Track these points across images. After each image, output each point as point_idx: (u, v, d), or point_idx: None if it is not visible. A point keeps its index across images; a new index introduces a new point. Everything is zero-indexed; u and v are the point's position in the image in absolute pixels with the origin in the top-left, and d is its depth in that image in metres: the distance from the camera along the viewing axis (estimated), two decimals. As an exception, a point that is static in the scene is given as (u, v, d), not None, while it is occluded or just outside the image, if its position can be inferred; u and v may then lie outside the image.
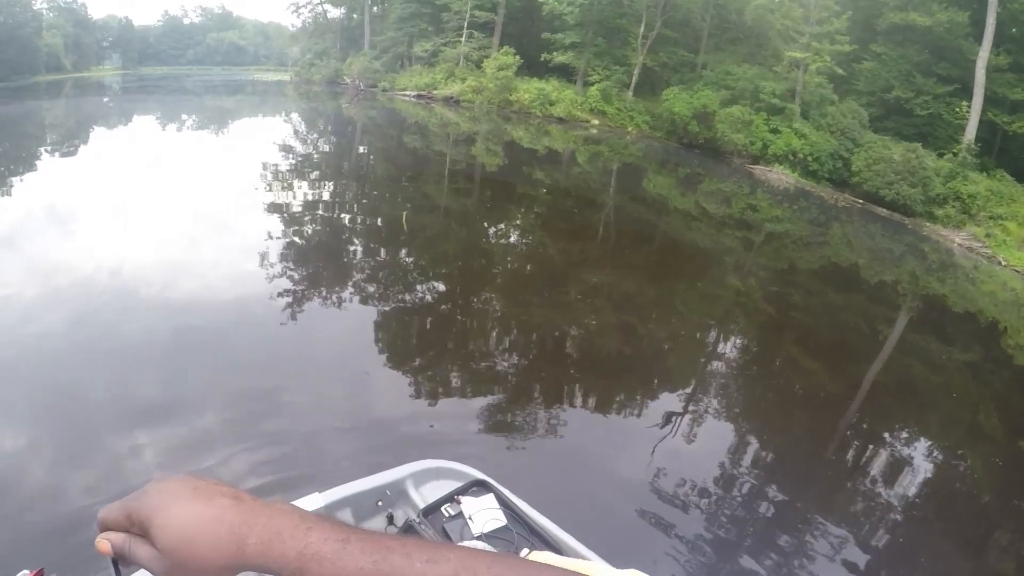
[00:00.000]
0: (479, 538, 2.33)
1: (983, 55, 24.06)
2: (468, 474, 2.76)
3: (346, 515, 2.52)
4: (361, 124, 31.49)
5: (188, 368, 6.10)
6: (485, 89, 35.34)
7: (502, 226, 14.15)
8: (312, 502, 2.46)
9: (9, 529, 3.84)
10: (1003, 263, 17.82)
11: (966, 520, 5.73)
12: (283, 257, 9.52)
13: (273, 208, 12.46)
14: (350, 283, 9.05)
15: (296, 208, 12.77)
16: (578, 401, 6.59)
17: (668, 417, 6.29)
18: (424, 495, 2.66)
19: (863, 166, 23.09)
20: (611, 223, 15.33)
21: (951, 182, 21.97)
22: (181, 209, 12.09)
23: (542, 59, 35.34)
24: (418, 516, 2.45)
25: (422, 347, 7.46)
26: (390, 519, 2.59)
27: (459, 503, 2.52)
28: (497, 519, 2.44)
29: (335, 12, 54.70)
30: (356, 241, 11.43)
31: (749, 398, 7.62)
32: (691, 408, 6.75)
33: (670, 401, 6.88)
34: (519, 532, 2.40)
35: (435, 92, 38.28)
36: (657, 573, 3.84)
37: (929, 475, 6.33)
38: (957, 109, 25.43)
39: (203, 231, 10.89)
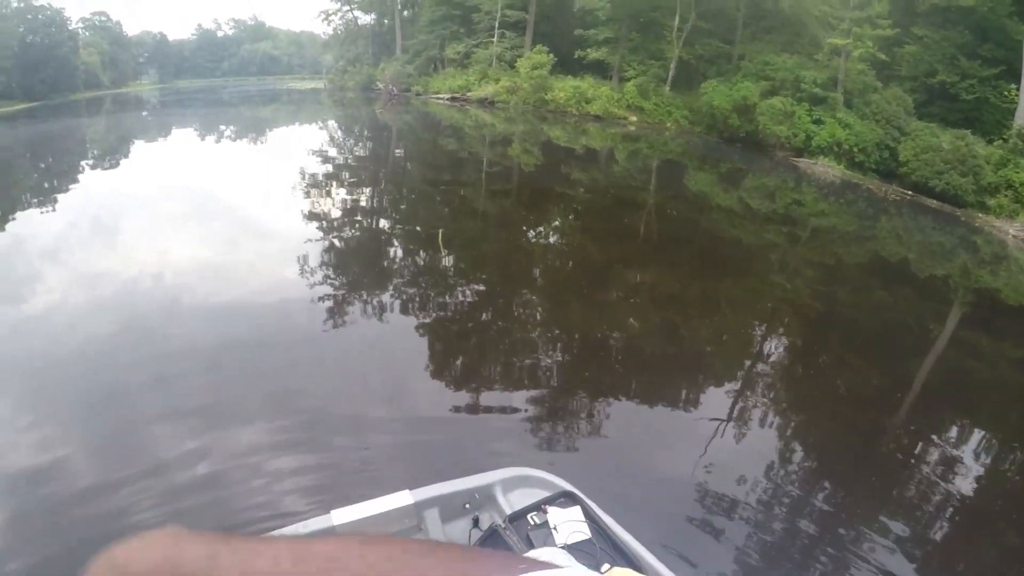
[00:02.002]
0: (562, 548, 2.34)
1: (1031, 34, 23.20)
2: (557, 484, 2.78)
3: (433, 514, 2.59)
4: (397, 129, 31.73)
5: (235, 370, 6.35)
6: (519, 89, 35.26)
7: (542, 228, 14.15)
8: (401, 499, 2.55)
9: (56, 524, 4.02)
10: (1061, 254, 17.14)
11: (1019, 525, 5.57)
12: (325, 264, 9.76)
13: (314, 216, 12.71)
14: (392, 288, 9.17)
15: (336, 216, 13.01)
16: (626, 399, 6.67)
17: (717, 415, 6.35)
18: (511, 502, 2.70)
19: (911, 156, 22.34)
20: (653, 222, 15.22)
21: (1002, 170, 21.13)
22: (223, 218, 12.53)
23: (576, 56, 35.08)
24: (504, 522, 2.49)
25: (465, 349, 7.60)
26: (475, 522, 2.64)
27: (546, 512, 2.54)
28: (582, 532, 2.45)
29: (366, 19, 55.21)
30: (396, 246, 11.57)
31: (799, 397, 7.52)
32: (740, 407, 6.74)
33: (718, 399, 6.88)
34: (602, 547, 2.40)
35: (469, 94, 38.33)
36: (707, 571, 4.00)
37: (982, 476, 6.16)
38: (1005, 93, 24.51)
39: (244, 240, 11.18)
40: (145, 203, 13.47)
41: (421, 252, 10.99)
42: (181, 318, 7.56)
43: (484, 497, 2.74)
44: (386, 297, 8.72)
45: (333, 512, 2.50)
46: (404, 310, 8.33)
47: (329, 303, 8.17)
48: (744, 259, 13.24)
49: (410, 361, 6.95)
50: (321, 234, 11.30)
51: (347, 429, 5.42)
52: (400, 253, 11.18)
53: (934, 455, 6.40)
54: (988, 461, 6.52)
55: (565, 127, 30.57)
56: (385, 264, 10.40)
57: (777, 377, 7.91)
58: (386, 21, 52.66)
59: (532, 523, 2.51)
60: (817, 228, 16.90)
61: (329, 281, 9.09)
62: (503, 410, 5.98)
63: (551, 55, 34.61)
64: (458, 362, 7.20)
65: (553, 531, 2.46)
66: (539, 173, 20.32)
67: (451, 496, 2.69)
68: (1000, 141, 22.31)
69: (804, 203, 19.89)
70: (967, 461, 6.29)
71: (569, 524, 2.49)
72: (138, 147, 24.82)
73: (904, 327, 10.35)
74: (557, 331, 8.33)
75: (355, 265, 10.16)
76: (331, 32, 59.36)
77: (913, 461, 6.24)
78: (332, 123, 35.31)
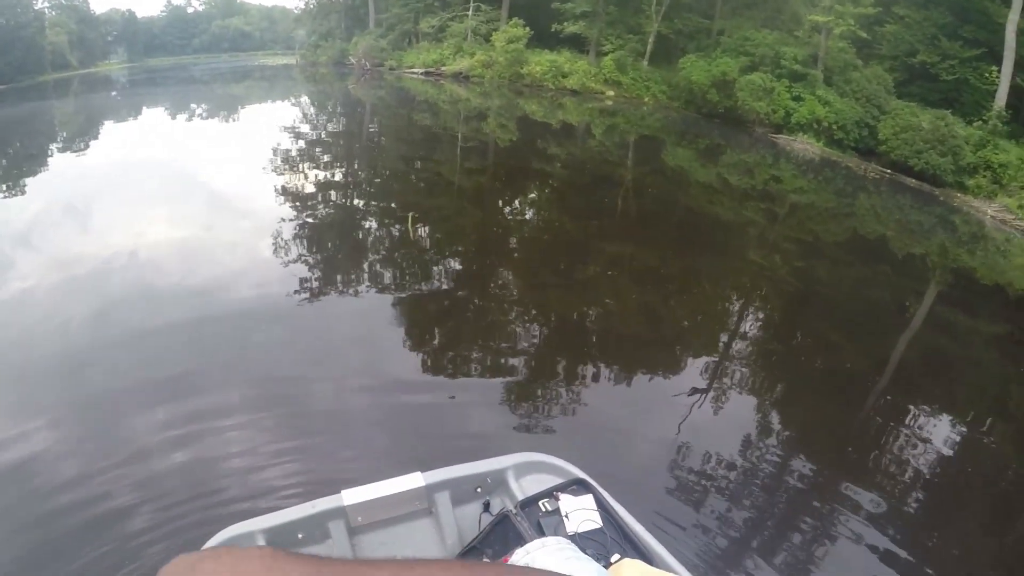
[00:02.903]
0: (572, 537, 2.29)
1: (1013, 17, 22.97)
2: (570, 471, 2.76)
3: (444, 498, 2.59)
4: (370, 105, 31.20)
5: (211, 350, 6.30)
6: (495, 63, 34.60)
7: (519, 205, 13.99)
8: (412, 481, 2.55)
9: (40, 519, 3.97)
10: (1038, 236, 17.06)
11: (992, 497, 5.71)
12: (298, 246, 9.55)
13: (288, 195, 12.45)
14: (370, 268, 9.06)
15: (310, 195, 12.72)
16: (604, 377, 6.64)
17: (693, 392, 6.35)
18: (523, 487, 2.68)
19: (890, 134, 22.27)
20: (631, 198, 15.06)
21: (981, 151, 21.12)
22: (195, 199, 12.23)
23: (553, 30, 34.25)
24: (515, 508, 2.46)
25: (444, 328, 7.52)
26: (486, 506, 2.64)
27: (557, 499, 2.51)
28: (593, 520, 2.43)
29: (339, -9, 53.81)
30: (371, 226, 11.35)
31: (776, 374, 7.52)
32: (717, 384, 6.75)
33: (695, 377, 6.86)
34: (612, 536, 2.38)
35: (444, 68, 37.55)
36: (682, 548, 3.98)
37: (958, 451, 6.28)
38: (986, 74, 24.45)
39: (217, 221, 10.98)
40: (117, 185, 13.32)
41: (396, 232, 10.74)
42: (156, 297, 7.49)
43: (496, 482, 2.73)
44: (363, 278, 8.60)
45: (344, 492, 2.46)
46: (381, 291, 8.20)
47: (305, 284, 7.99)
48: (723, 235, 13.16)
49: (389, 343, 6.83)
50: (295, 214, 11.12)
51: (330, 412, 5.38)
52: (375, 233, 10.96)
53: (910, 429, 6.48)
54: (963, 435, 6.67)
55: (541, 102, 30.09)
56: (360, 244, 10.19)
57: (755, 354, 7.88)
58: (360, -6, 51.51)
59: (543, 510, 2.46)
60: (796, 205, 16.83)
61: (304, 263, 8.86)
62: (485, 390, 5.93)
63: (527, 28, 33.86)
64: (439, 343, 7.08)
65: (564, 519, 2.42)
66: (515, 149, 20.06)
67: (463, 480, 2.67)
68: (980, 122, 22.31)
69: (783, 180, 19.75)
70: (943, 435, 6.44)
71: (581, 512, 2.44)
72: (108, 128, 24.42)
73: (882, 304, 10.44)
74: (538, 310, 8.25)
75: (330, 246, 9.97)
76: (303, 6, 58.17)
77: (889, 434, 6.34)
78: (305, 99, 34.63)
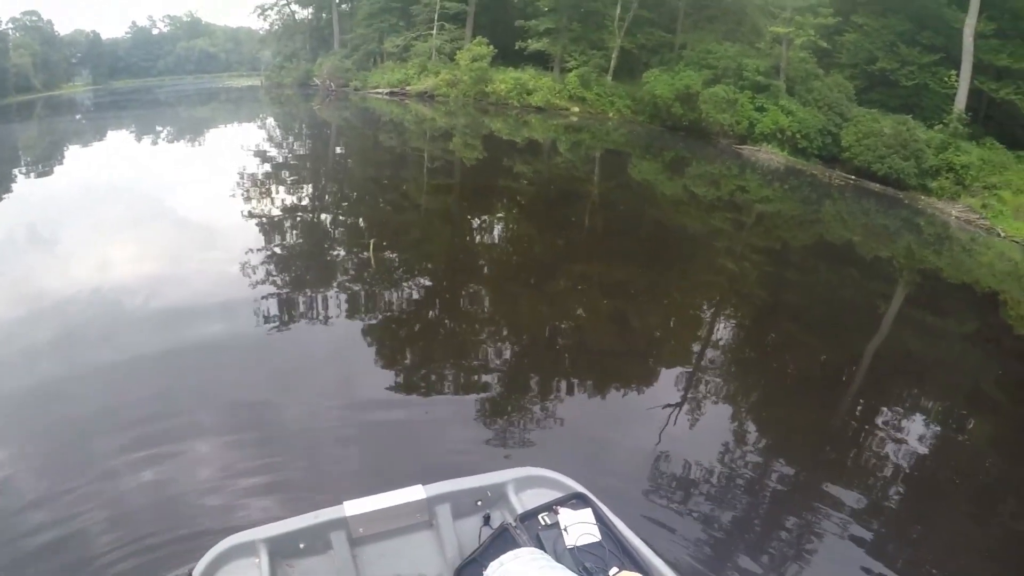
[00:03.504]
0: (571, 550, 2.34)
1: (971, 22, 23.38)
2: (569, 486, 2.79)
3: (445, 510, 2.61)
4: (336, 126, 31.09)
5: (179, 377, 6.19)
6: (460, 82, 34.54)
7: (487, 223, 13.92)
8: (414, 493, 2.59)
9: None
10: (1002, 234, 17.22)
11: (969, 490, 5.79)
12: (266, 269, 9.43)
13: (254, 220, 12.27)
14: (340, 291, 8.93)
15: (277, 219, 12.55)
16: (587, 390, 6.70)
17: (678, 401, 6.43)
18: (523, 501, 2.71)
19: (853, 141, 22.50)
20: (598, 213, 15.07)
21: (943, 153, 21.35)
22: (161, 225, 12.03)
23: (517, 47, 34.42)
24: (515, 521, 2.48)
25: (419, 350, 7.47)
26: (486, 519, 2.65)
27: (557, 513, 2.54)
28: (591, 534, 2.45)
29: (303, 13, 53.50)
30: (338, 249, 11.24)
31: (751, 379, 7.63)
32: (699, 392, 6.85)
33: (671, 385, 6.91)
34: (611, 550, 2.38)
35: (408, 88, 37.42)
36: (680, 560, 4.00)
37: (933, 447, 6.41)
38: (946, 79, 24.83)
39: (182, 247, 10.77)
40: (82, 211, 13.21)
41: (362, 255, 10.52)
42: (124, 323, 7.46)
43: (496, 495, 2.76)
44: (332, 301, 8.42)
45: (346, 503, 2.48)
46: (352, 313, 8.14)
47: (274, 308, 7.95)
48: (692, 247, 13.22)
49: (364, 364, 6.80)
50: (262, 239, 11.00)
51: (307, 432, 5.34)
52: (342, 255, 10.79)
53: (886, 427, 6.56)
54: (937, 431, 6.80)
55: (507, 119, 30.06)
56: (327, 267, 10.02)
57: (729, 361, 8.00)
58: (324, 15, 51.29)
59: (543, 523, 2.49)
60: (762, 214, 16.90)
61: (272, 286, 8.77)
62: (471, 406, 5.93)
63: (491, 47, 33.92)
64: (412, 364, 7.05)
65: (563, 532, 2.45)
66: (481, 167, 20.02)
67: (463, 493, 2.70)
68: (940, 125, 22.55)
69: (749, 189, 19.83)
70: (917, 432, 6.56)
71: (579, 526, 2.47)
72: (73, 152, 24.13)
73: (852, 307, 10.54)
74: (512, 327, 8.27)
75: (297, 270, 9.82)
76: (268, 27, 57.69)
77: (867, 433, 6.43)
78: (271, 121, 34.36)
